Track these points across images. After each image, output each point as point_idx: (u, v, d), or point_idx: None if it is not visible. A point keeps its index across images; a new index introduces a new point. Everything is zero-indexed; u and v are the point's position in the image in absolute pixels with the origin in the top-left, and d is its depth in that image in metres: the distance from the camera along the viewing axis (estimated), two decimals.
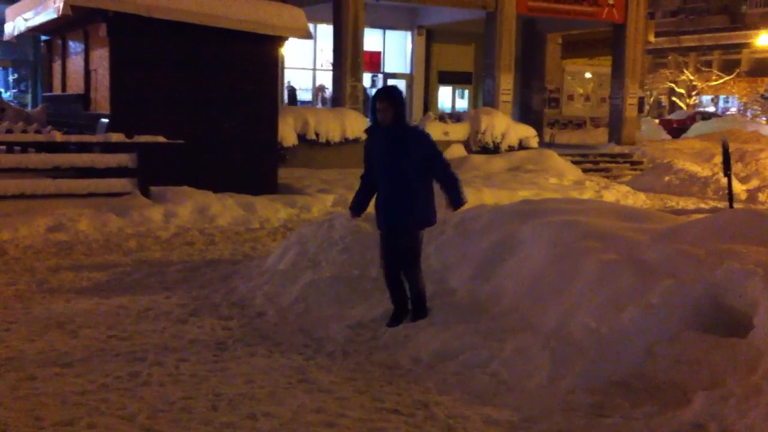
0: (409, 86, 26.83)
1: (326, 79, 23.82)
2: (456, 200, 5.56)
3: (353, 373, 4.88)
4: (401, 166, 5.49)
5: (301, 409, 4.28)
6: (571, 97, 28.83)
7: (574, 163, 18.94)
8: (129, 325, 5.90)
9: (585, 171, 18.47)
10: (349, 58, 20.38)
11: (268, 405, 4.34)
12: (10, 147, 11.89)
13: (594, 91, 29.20)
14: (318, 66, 25.13)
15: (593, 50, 27.05)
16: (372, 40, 24.29)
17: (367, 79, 24.89)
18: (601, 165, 20.53)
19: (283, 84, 22.93)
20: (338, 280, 6.51)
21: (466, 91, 28.25)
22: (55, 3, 11.96)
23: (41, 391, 4.49)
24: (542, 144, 21.21)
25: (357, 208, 5.83)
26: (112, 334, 5.67)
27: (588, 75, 29.14)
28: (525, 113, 26.14)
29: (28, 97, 20.61)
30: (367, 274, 6.63)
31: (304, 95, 25.35)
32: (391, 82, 26.83)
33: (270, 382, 4.71)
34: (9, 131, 12.86)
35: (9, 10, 15.48)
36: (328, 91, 23.48)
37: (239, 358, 5.18)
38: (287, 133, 15.86)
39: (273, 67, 13.61)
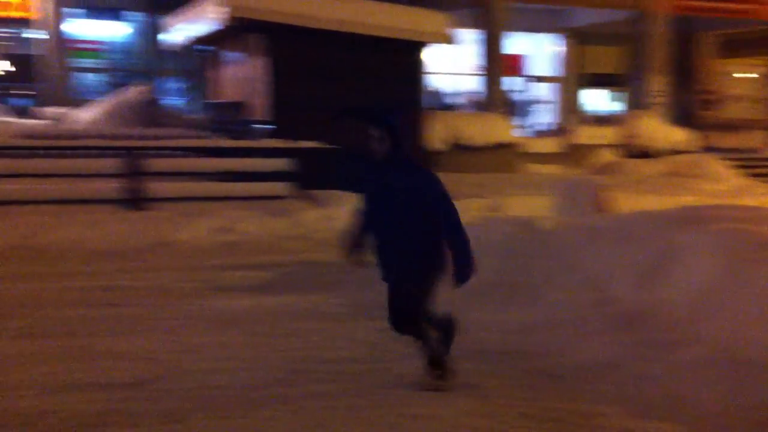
0: (557, 89, 26.42)
1: (471, 84, 23.84)
2: (463, 272, 4.43)
3: (512, 380, 4.86)
4: (408, 207, 4.41)
5: (464, 413, 4.30)
6: (728, 99, 27.51)
7: (735, 167, 18.04)
8: (294, 324, 6.13)
9: (748, 176, 17.55)
10: (495, 62, 20.33)
11: (430, 407, 4.39)
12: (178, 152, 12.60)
13: (754, 92, 27.73)
14: (463, 71, 25.17)
15: (752, 49, 25.76)
16: (518, 43, 24.09)
17: (514, 83, 24.74)
18: (766, 170, 19.44)
19: (429, 89, 23.11)
20: (493, 285, 6.50)
21: (617, 94, 27.50)
22: (216, 14, 12.58)
23: (216, 384, 4.72)
24: (698, 148, 20.37)
25: (352, 248, 4.66)
26: (278, 332, 5.90)
27: (746, 75, 27.72)
28: (679, 116, 25.15)
29: (192, 105, 21.75)
30: (521, 280, 6.60)
31: (450, 100, 25.44)
32: (539, 85, 26.50)
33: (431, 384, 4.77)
34: (178, 137, 13.63)
35: (170, 21, 16.37)
36: (474, 96, 23.47)
37: (400, 359, 5.25)
38: (434, 138, 16.00)
39: (418, 73, 13.82)
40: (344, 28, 12.51)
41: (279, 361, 5.22)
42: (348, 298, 6.88)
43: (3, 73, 23.99)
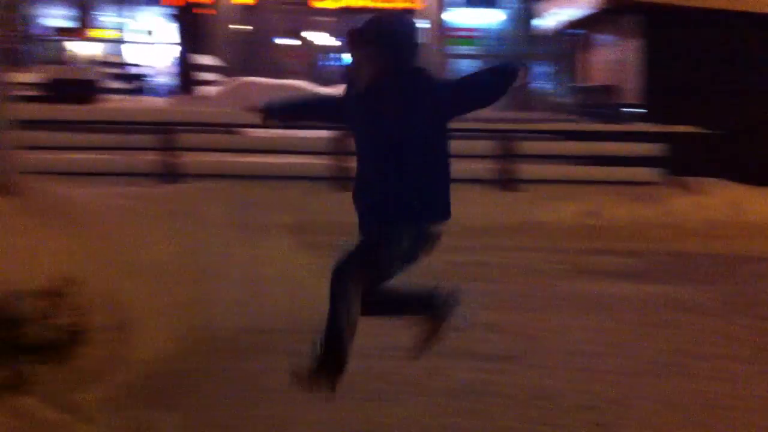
0: None
1: None
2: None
3: None
4: (395, 131, 3.39)
5: None
6: None
7: None
8: (663, 314, 5.94)
9: None
10: None
11: None
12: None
13: None
14: None
15: None
16: None
17: None
18: None
19: None
20: None
21: None
22: None
23: (581, 366, 4.76)
24: None
25: (275, 108, 3.89)
26: (646, 321, 5.77)
27: None
28: None
29: (561, 89, 21.97)
30: None
31: None
32: None
33: None
34: (548, 121, 13.87)
35: (543, 7, 16.66)
36: None
37: None
38: None
39: None
40: (729, 6, 11.72)
41: (648, 351, 5.11)
42: (722, 293, 6.50)
43: None
